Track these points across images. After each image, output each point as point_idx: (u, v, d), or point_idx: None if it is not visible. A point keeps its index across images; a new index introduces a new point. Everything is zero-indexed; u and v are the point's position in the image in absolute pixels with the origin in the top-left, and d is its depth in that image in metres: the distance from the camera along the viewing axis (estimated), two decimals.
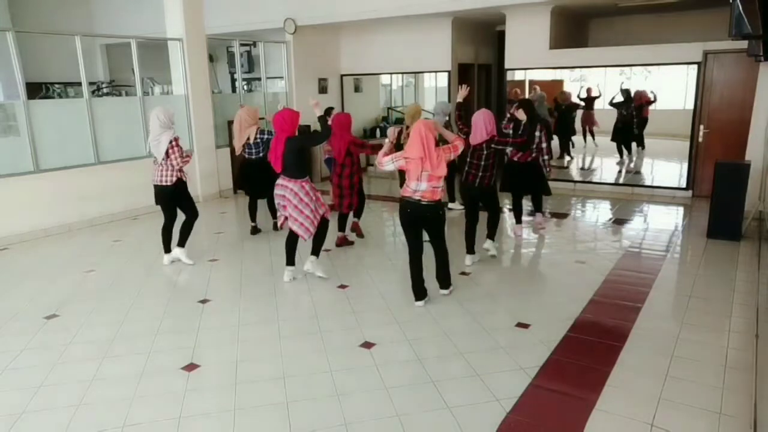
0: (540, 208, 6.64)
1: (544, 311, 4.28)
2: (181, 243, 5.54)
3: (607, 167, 9.57)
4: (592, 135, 9.55)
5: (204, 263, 5.62)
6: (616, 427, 2.84)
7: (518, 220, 6.39)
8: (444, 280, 4.55)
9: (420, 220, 4.27)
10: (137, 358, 3.66)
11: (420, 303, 4.40)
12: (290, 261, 5.04)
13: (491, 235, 5.47)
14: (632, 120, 8.81)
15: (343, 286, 4.88)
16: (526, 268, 5.49)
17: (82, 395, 3.24)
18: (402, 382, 3.31)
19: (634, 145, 9.10)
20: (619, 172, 9.27)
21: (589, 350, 3.66)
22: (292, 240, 4.96)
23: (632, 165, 9.27)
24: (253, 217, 6.60)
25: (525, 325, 4.02)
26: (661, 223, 6.97)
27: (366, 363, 3.54)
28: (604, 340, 3.79)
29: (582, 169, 9.80)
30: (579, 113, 9.37)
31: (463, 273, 5.14)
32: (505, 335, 3.88)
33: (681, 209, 7.49)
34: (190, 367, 3.55)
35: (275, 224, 6.48)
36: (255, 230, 6.59)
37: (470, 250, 5.35)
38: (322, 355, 3.66)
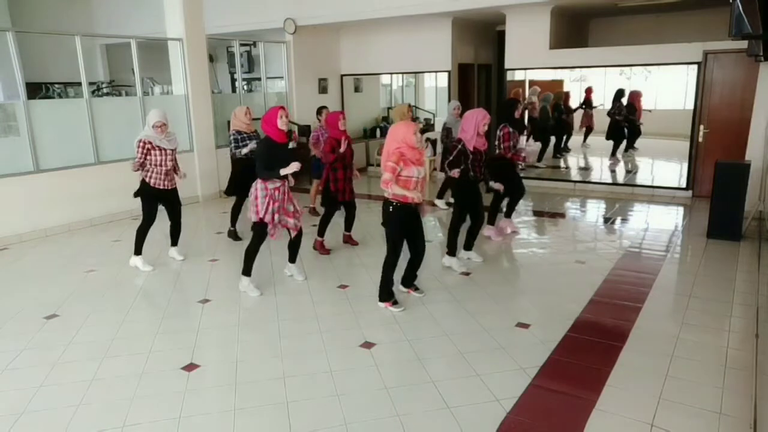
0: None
1: (544, 311, 4.28)
2: (176, 242, 5.74)
3: (606, 167, 9.59)
4: (586, 135, 9.55)
5: (204, 263, 5.62)
6: (616, 427, 2.84)
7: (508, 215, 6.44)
8: (414, 279, 4.62)
9: (411, 223, 4.32)
10: (137, 358, 3.66)
11: (399, 308, 4.35)
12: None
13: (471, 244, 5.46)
14: (624, 119, 8.85)
15: (343, 286, 4.88)
16: (526, 268, 5.48)
17: (82, 395, 3.24)
18: (402, 382, 3.31)
19: (623, 146, 9.16)
20: (613, 171, 9.30)
21: (589, 350, 3.66)
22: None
23: (629, 164, 9.28)
24: (234, 221, 6.37)
25: (525, 325, 4.02)
26: (661, 223, 6.97)
27: (366, 363, 3.54)
28: (604, 340, 3.79)
29: (580, 168, 9.82)
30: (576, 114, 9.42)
31: (463, 273, 5.14)
32: (505, 335, 3.88)
33: (681, 209, 7.49)
34: (190, 367, 3.55)
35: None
36: (236, 236, 6.35)
37: (455, 252, 5.31)
38: (322, 355, 3.66)
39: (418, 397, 3.14)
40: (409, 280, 4.64)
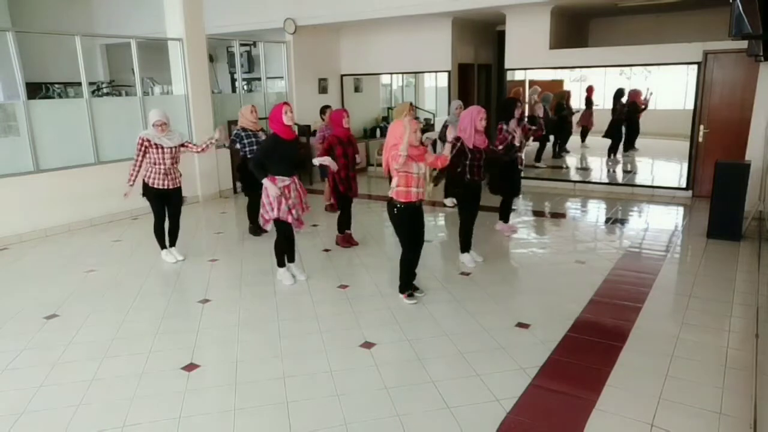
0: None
1: (544, 311, 4.28)
2: (173, 243, 5.74)
3: (607, 167, 9.58)
4: (584, 135, 9.53)
5: (204, 263, 5.62)
6: (616, 427, 2.84)
7: (507, 219, 6.40)
8: (413, 278, 4.62)
9: (414, 220, 4.37)
10: (137, 358, 3.66)
11: (413, 300, 4.46)
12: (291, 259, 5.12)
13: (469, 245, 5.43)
14: (624, 118, 8.85)
15: (343, 286, 4.88)
16: (525, 268, 5.48)
17: (82, 395, 3.24)
18: (402, 382, 3.31)
19: (623, 146, 9.15)
20: (613, 171, 9.30)
21: (589, 350, 3.66)
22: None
23: (628, 165, 9.26)
24: (253, 218, 6.50)
25: (525, 325, 4.02)
26: (661, 223, 6.97)
27: (366, 363, 3.54)
28: (604, 340, 3.79)
29: (580, 168, 9.81)
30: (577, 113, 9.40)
31: (463, 273, 5.14)
32: (505, 335, 3.88)
33: (681, 209, 7.49)
34: (190, 367, 3.55)
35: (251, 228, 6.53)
36: (256, 231, 6.50)
37: (469, 248, 5.37)
38: (322, 355, 3.66)
39: (418, 397, 3.14)
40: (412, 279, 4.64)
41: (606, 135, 9.12)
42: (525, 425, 2.87)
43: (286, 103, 4.63)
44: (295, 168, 4.76)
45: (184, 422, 2.96)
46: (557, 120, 9.38)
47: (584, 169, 9.80)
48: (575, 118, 9.38)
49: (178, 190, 5.48)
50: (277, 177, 4.61)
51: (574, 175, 9.46)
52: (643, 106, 8.60)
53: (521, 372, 3.37)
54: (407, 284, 4.53)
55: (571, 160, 9.92)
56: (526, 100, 9.26)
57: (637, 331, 3.89)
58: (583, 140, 9.61)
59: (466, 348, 3.69)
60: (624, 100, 8.77)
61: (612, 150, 9.18)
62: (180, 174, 5.47)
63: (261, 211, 4.74)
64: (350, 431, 2.85)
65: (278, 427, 2.91)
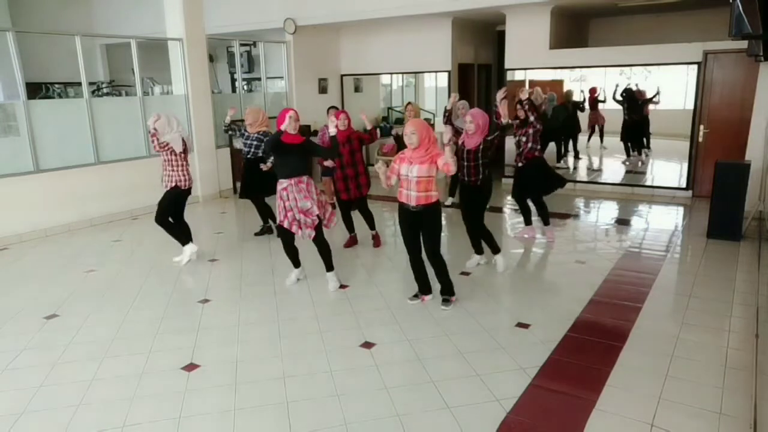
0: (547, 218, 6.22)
1: (544, 311, 4.28)
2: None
3: (609, 167, 9.55)
4: (601, 135, 9.40)
5: (204, 263, 5.62)
6: (616, 427, 2.84)
7: (528, 221, 6.31)
8: (444, 288, 4.42)
9: (415, 224, 4.26)
10: (137, 358, 3.66)
11: (415, 301, 4.45)
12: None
13: (495, 249, 5.19)
14: (638, 119, 8.77)
15: (343, 286, 4.88)
16: (526, 268, 5.48)
17: (82, 395, 3.24)
18: (402, 382, 3.31)
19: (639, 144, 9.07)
20: (625, 172, 9.23)
21: (589, 350, 3.66)
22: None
23: (640, 164, 9.17)
24: (265, 218, 6.52)
25: (525, 325, 4.02)
26: (661, 223, 6.97)
27: (366, 363, 3.54)
28: (604, 340, 3.79)
29: (590, 169, 9.74)
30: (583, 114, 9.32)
31: (463, 273, 5.14)
32: (505, 335, 3.88)
33: (681, 209, 7.49)
34: (190, 367, 3.55)
35: (265, 228, 6.55)
36: (269, 230, 6.51)
37: (478, 250, 5.28)
38: (322, 355, 3.66)
39: (418, 397, 3.14)
40: (442, 288, 4.45)
41: (622, 137, 9.03)
42: (525, 425, 2.87)
43: (292, 110, 4.54)
44: (299, 169, 4.55)
45: (184, 422, 2.96)
46: (563, 121, 9.30)
47: (590, 169, 9.73)
48: (584, 121, 9.28)
49: (166, 190, 5.31)
50: (279, 180, 4.58)
51: (575, 176, 9.44)
52: (656, 100, 8.51)
53: (521, 372, 3.37)
54: (422, 288, 4.51)
55: (572, 160, 9.88)
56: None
57: (637, 331, 3.89)
58: (588, 140, 9.48)
59: (466, 348, 3.69)
60: (629, 97, 8.67)
61: (627, 151, 9.09)
62: (168, 178, 5.24)
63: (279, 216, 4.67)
64: (350, 431, 2.85)
65: (278, 427, 2.91)
